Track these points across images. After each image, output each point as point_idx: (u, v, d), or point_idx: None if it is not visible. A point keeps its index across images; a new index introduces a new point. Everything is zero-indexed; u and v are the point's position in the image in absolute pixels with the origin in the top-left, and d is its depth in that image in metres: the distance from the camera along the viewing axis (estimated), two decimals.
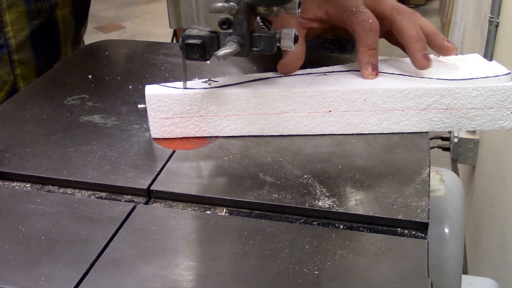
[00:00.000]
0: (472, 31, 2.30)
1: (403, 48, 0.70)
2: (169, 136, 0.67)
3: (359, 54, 0.69)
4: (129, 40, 0.97)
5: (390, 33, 0.71)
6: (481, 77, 0.66)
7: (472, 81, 0.65)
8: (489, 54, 1.70)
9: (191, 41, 0.60)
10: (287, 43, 0.61)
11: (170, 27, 0.63)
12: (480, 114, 0.66)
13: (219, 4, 0.58)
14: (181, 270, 0.48)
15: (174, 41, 2.89)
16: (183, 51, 0.61)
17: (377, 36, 0.69)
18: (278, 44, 0.62)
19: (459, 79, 0.66)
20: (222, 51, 0.59)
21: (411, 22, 0.68)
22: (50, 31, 0.89)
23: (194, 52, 0.60)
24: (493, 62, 0.71)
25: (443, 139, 1.87)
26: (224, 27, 0.60)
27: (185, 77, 0.65)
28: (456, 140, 1.75)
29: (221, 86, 0.66)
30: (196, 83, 0.67)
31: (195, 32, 0.61)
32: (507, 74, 0.66)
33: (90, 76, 0.81)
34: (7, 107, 0.75)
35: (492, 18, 1.68)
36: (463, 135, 1.75)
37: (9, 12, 0.81)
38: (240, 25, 0.60)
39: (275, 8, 0.61)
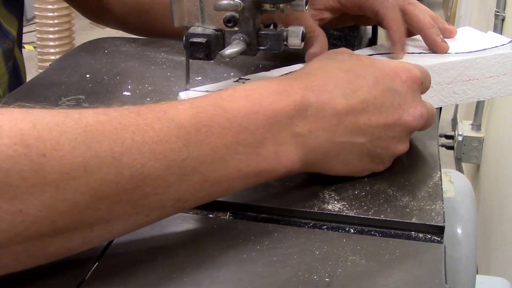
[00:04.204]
0: (477, 24, 2.29)
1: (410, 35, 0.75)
2: None
3: (390, 32, 0.71)
4: (129, 37, 0.95)
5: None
6: (494, 47, 0.71)
7: (488, 51, 0.70)
8: None
9: (195, 40, 0.58)
10: (294, 41, 0.59)
11: (174, 25, 0.61)
12: (496, 81, 0.70)
13: (225, 2, 0.56)
14: (184, 277, 0.47)
15: None
16: (187, 50, 0.59)
17: (400, 12, 0.71)
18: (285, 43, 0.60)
19: (475, 51, 0.70)
20: (228, 50, 0.57)
21: (420, 10, 0.72)
22: (16, 71, 0.87)
23: (199, 51, 0.59)
24: (490, 32, 0.76)
25: (447, 137, 1.85)
26: (230, 25, 0.58)
27: (188, 77, 0.63)
28: (460, 138, 1.73)
29: None
30: (228, 83, 0.66)
31: (199, 30, 0.59)
32: (510, 41, 0.72)
33: (87, 76, 0.79)
34: None
35: (498, 11, 1.67)
36: (468, 133, 1.73)
37: None
38: (246, 23, 0.59)
39: (281, 5, 0.59)
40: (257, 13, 0.59)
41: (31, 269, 0.44)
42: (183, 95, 0.66)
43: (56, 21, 2.09)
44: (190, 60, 0.62)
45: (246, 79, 0.66)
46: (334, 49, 0.59)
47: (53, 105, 0.71)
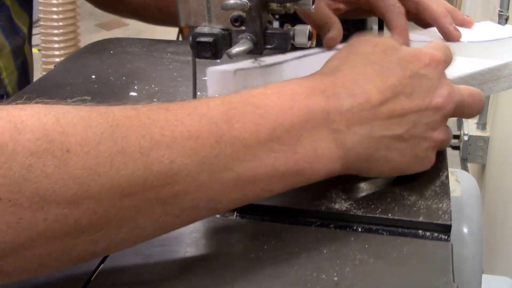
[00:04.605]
0: None
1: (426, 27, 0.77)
2: None
3: (393, 36, 0.72)
4: (135, 38, 0.95)
5: (415, 16, 0.77)
6: (509, 37, 0.74)
7: (501, 41, 0.73)
8: None
9: (202, 39, 0.58)
10: (301, 40, 0.59)
11: (180, 25, 0.61)
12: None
13: (232, 1, 0.56)
14: (191, 278, 0.47)
15: (180, 38, 2.88)
16: (194, 50, 0.59)
17: (405, 17, 0.73)
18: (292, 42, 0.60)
19: (490, 40, 0.74)
20: (235, 49, 0.57)
21: (434, 1, 0.74)
22: (24, 69, 0.87)
23: (206, 51, 0.58)
24: (508, 25, 0.79)
25: (453, 137, 1.84)
26: (237, 24, 0.58)
27: (195, 77, 0.63)
28: (466, 138, 1.72)
29: (275, 64, 0.67)
30: (247, 63, 0.67)
31: (206, 29, 0.59)
32: None
33: (93, 76, 0.80)
34: None
35: (501, 12, 1.66)
36: (473, 132, 1.73)
37: (0, 56, 0.79)
38: (253, 22, 0.59)
39: (288, 5, 0.59)
40: (263, 12, 0.59)
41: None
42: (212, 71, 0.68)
43: (61, 23, 2.09)
44: (196, 60, 0.62)
45: (262, 61, 0.67)
46: (355, 40, 0.58)
47: None
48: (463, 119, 1.79)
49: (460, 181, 0.80)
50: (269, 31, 0.60)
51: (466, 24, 0.77)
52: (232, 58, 0.57)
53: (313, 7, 0.60)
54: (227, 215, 0.54)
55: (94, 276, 0.47)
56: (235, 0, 0.56)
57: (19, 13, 0.83)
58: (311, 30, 0.60)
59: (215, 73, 0.68)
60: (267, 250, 0.49)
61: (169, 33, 3.54)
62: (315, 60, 0.71)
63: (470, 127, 1.73)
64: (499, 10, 1.68)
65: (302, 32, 0.59)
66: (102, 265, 0.48)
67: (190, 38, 0.59)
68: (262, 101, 0.48)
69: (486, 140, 1.73)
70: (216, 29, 0.59)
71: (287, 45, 0.60)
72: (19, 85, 0.85)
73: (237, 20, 0.58)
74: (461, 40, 0.74)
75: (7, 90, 0.80)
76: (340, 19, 0.75)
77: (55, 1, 2.09)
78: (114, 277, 0.47)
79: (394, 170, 0.55)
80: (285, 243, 0.50)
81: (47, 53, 2.12)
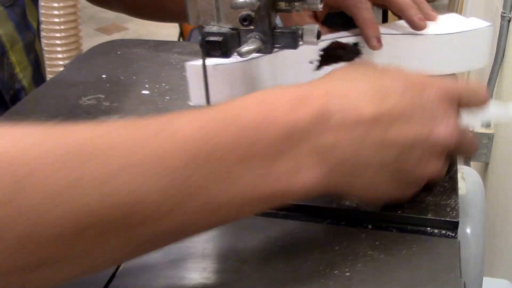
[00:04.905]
0: None
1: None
2: None
3: (363, 31, 0.73)
4: (140, 39, 0.96)
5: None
6: (473, 29, 0.76)
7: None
8: (501, 49, 1.69)
9: (211, 38, 0.59)
10: (310, 39, 0.60)
11: (189, 24, 0.61)
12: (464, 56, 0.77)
13: (241, 0, 0.56)
14: (209, 273, 0.47)
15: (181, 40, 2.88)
16: (204, 49, 0.59)
17: (372, 12, 0.74)
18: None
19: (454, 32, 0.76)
20: (245, 48, 0.58)
21: None
22: (37, 64, 0.87)
23: (215, 50, 0.59)
24: (472, 18, 0.80)
25: None
26: (245, 23, 0.59)
27: (205, 75, 0.64)
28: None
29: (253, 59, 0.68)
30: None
31: (215, 29, 0.60)
32: (490, 25, 0.77)
33: (103, 76, 0.80)
34: (19, 108, 0.74)
35: (504, 13, 1.66)
36: (477, 129, 1.73)
37: (12, 51, 0.79)
38: (262, 22, 0.59)
39: (296, 4, 0.59)
40: (272, 11, 0.60)
41: None
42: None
43: (62, 27, 2.10)
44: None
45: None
46: (356, 63, 0.57)
47: (74, 105, 0.72)
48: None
49: (466, 178, 0.81)
50: (277, 30, 0.60)
51: (431, 18, 0.77)
52: (243, 57, 0.58)
53: (321, 6, 0.60)
54: None
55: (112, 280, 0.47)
56: (246, 0, 0.56)
57: (31, 8, 0.84)
58: (319, 29, 0.60)
59: (194, 67, 0.68)
60: (281, 246, 0.50)
61: (170, 36, 3.55)
62: (293, 54, 0.69)
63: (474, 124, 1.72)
64: (502, 12, 1.67)
65: (310, 31, 0.60)
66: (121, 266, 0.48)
67: (199, 37, 0.60)
68: (242, 114, 0.44)
69: (490, 137, 1.73)
70: (225, 28, 0.60)
71: (296, 44, 0.60)
72: (34, 80, 0.85)
73: (246, 19, 0.59)
74: (427, 33, 0.75)
75: (22, 85, 0.81)
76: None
77: (56, 4, 2.10)
78: (135, 277, 0.47)
79: (375, 196, 0.51)
80: (298, 239, 0.51)
81: (50, 56, 2.13)
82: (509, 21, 1.68)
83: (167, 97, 0.74)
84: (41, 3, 2.17)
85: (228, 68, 0.69)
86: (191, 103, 0.69)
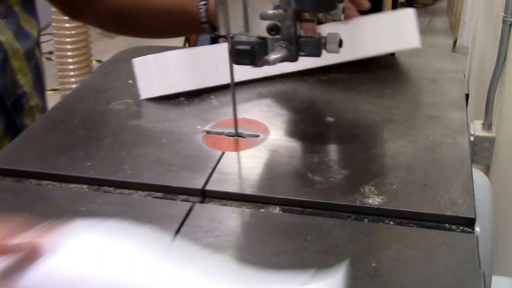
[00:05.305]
0: (483, 30, 2.31)
1: None
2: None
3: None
4: (161, 45, 1.00)
5: None
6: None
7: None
8: (502, 53, 1.71)
9: (241, 47, 0.63)
10: (333, 47, 0.64)
11: (220, 33, 0.65)
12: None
13: (270, 12, 0.60)
14: (248, 265, 0.51)
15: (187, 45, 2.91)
16: (233, 57, 0.63)
17: None
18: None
19: None
20: (272, 56, 0.62)
21: None
22: (38, 71, 0.90)
23: (244, 57, 0.63)
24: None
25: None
26: (273, 33, 0.63)
27: (233, 80, 0.67)
28: (472, 138, 1.75)
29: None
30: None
31: (243, 38, 0.64)
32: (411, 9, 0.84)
33: (130, 81, 0.84)
34: (53, 113, 0.78)
35: (505, 17, 1.67)
36: (479, 132, 1.76)
37: (14, 58, 0.83)
38: (288, 31, 0.63)
39: (320, 14, 0.63)
40: (297, 21, 0.64)
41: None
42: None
43: (73, 32, 2.15)
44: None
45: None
46: None
47: (104, 110, 0.76)
48: (468, 120, 1.81)
49: (474, 179, 0.84)
50: (302, 39, 0.64)
51: (363, 6, 0.82)
52: (271, 64, 0.62)
53: (343, 16, 0.64)
54: (270, 210, 0.59)
55: None
56: (274, 11, 0.60)
57: (26, 19, 0.86)
58: (341, 38, 0.64)
59: (139, 60, 0.79)
60: (310, 240, 0.54)
61: (173, 41, 3.57)
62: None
63: (476, 127, 1.75)
64: (503, 16, 1.69)
65: (333, 39, 0.64)
66: None
67: (229, 46, 0.64)
68: None
69: (492, 140, 1.76)
70: (253, 37, 0.64)
71: (319, 51, 0.64)
72: (34, 86, 0.88)
73: (273, 29, 0.63)
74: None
75: (24, 90, 0.83)
76: None
77: (67, 25, 2.16)
78: None
79: None
80: (326, 234, 0.54)
81: (61, 60, 2.18)
82: (510, 25, 1.69)
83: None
84: (53, 24, 2.22)
85: (169, 56, 0.79)
86: (141, 97, 0.79)
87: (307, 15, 0.64)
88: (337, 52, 0.64)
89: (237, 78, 0.70)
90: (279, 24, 0.63)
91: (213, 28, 0.84)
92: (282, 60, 0.63)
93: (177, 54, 0.81)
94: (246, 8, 0.63)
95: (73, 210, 0.58)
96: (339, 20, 0.64)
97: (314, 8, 0.62)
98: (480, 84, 1.98)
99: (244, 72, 0.75)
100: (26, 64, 0.84)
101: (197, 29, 0.86)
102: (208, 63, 0.81)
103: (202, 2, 0.84)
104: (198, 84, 0.81)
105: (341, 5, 0.64)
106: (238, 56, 0.63)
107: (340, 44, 0.64)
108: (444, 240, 0.54)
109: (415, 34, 0.84)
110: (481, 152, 1.75)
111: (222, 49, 0.80)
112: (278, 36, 0.64)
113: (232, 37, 0.64)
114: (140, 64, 0.79)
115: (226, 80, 0.72)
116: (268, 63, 0.62)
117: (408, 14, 0.84)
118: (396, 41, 0.85)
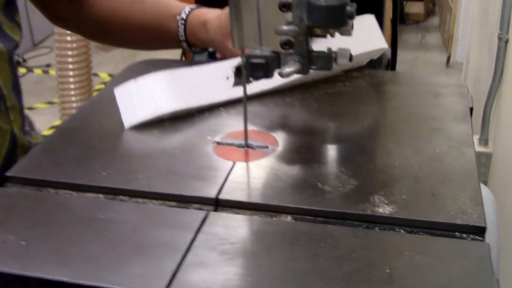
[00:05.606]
0: (478, 47, 2.34)
1: None
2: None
3: None
4: (170, 59, 1.02)
5: None
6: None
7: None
8: (499, 70, 1.73)
9: (255, 61, 0.65)
10: (343, 61, 0.66)
11: (234, 47, 0.67)
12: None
13: (285, 28, 0.62)
14: (264, 270, 0.52)
15: (184, 59, 2.93)
16: (248, 70, 0.65)
17: None
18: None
19: None
20: (286, 70, 0.64)
21: None
22: (15, 72, 0.91)
23: (258, 71, 0.65)
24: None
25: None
26: (286, 47, 0.65)
27: (245, 91, 0.69)
28: None
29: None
30: None
31: (258, 52, 0.66)
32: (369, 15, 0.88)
33: None
34: (70, 124, 0.79)
35: (501, 34, 1.69)
36: (476, 148, 1.78)
37: None
38: (300, 45, 0.65)
39: (331, 30, 0.66)
40: (309, 36, 0.66)
41: (128, 259, 0.50)
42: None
43: (74, 45, 2.17)
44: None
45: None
46: None
47: (120, 121, 0.77)
48: None
49: None
50: (314, 53, 0.66)
51: None
52: (284, 77, 0.64)
53: (352, 31, 0.66)
54: (282, 218, 0.60)
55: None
56: (288, 27, 0.62)
57: (9, 24, 0.87)
58: (351, 53, 0.66)
59: (120, 88, 0.80)
60: (324, 248, 0.55)
61: (170, 54, 3.59)
62: (212, 70, 0.85)
63: None
64: (498, 33, 1.71)
65: (344, 54, 0.66)
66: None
67: (244, 60, 0.66)
68: None
69: (488, 156, 1.78)
70: (267, 51, 0.66)
71: (330, 65, 0.66)
72: (13, 87, 0.88)
73: (286, 44, 0.65)
74: None
75: (2, 92, 0.84)
76: None
77: (69, 41, 2.17)
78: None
79: None
80: (339, 242, 0.56)
81: (62, 73, 2.20)
82: (506, 42, 1.71)
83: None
84: (55, 36, 2.24)
85: (150, 79, 0.80)
86: (125, 126, 0.78)
87: (318, 31, 0.66)
88: (348, 65, 0.66)
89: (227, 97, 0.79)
90: (292, 39, 0.65)
91: (190, 46, 0.96)
92: (295, 73, 0.65)
93: (159, 77, 0.81)
94: (260, 23, 0.65)
95: (91, 217, 0.60)
96: (349, 35, 0.66)
97: (326, 24, 0.64)
98: (475, 99, 2.00)
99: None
100: (8, 65, 0.85)
101: (177, 45, 0.98)
102: (190, 84, 0.83)
103: (181, 22, 0.89)
104: (181, 105, 0.80)
105: (350, 22, 0.66)
106: (252, 70, 0.65)
107: (351, 58, 0.66)
108: (455, 247, 0.56)
109: (381, 36, 0.89)
110: (478, 167, 1.76)
111: (204, 70, 0.85)
112: (291, 51, 0.66)
113: (247, 51, 0.67)
114: (122, 93, 0.80)
115: (210, 100, 0.81)
116: (282, 76, 0.64)
117: (369, 19, 0.89)
118: (365, 44, 0.87)
